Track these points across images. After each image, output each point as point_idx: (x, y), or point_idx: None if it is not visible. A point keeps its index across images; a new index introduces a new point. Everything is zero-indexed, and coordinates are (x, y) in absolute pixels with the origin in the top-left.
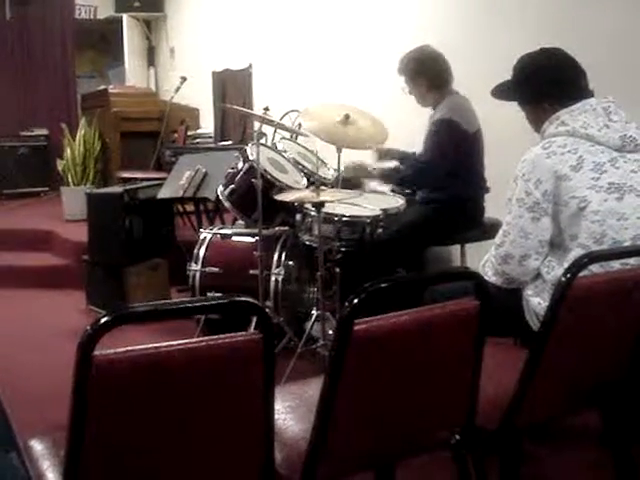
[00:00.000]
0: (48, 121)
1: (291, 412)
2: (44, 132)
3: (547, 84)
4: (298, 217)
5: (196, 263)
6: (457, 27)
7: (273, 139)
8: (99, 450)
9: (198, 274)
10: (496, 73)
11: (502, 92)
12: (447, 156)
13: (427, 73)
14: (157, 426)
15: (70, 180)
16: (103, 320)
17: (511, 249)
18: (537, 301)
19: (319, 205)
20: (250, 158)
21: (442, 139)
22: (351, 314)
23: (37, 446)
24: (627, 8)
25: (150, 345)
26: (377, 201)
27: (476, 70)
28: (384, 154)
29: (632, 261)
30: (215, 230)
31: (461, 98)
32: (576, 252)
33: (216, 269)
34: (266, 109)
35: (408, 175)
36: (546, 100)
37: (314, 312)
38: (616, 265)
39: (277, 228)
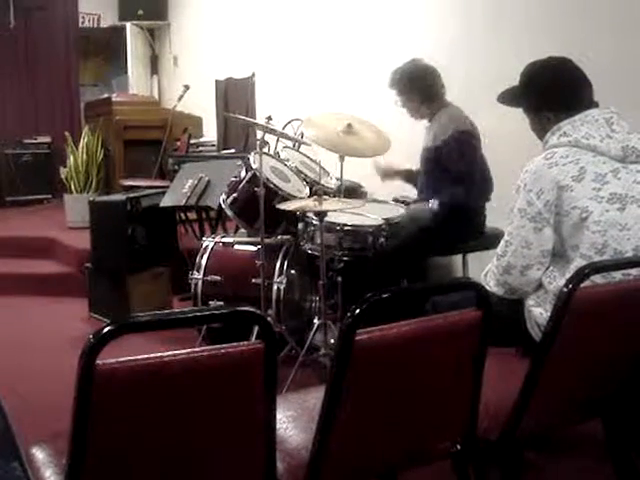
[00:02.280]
0: (51, 129)
1: (293, 421)
2: (47, 140)
3: (551, 92)
4: (300, 226)
5: (198, 271)
6: (460, 39)
7: (276, 148)
8: (101, 458)
9: (200, 282)
10: (498, 84)
11: (508, 98)
12: (475, 165)
13: (419, 87)
14: (159, 435)
15: (73, 188)
16: (106, 330)
17: (513, 259)
18: (539, 311)
19: (321, 214)
20: (253, 167)
21: (471, 150)
22: (353, 324)
23: (39, 454)
24: (629, 15)
25: (152, 354)
26: (379, 210)
27: (478, 81)
28: (389, 174)
29: (634, 272)
30: (217, 239)
31: (457, 109)
32: (578, 262)
33: (218, 277)
34: (269, 118)
35: (458, 192)
36: (549, 108)
37: (316, 321)
38: (618, 276)
39: (279, 237)
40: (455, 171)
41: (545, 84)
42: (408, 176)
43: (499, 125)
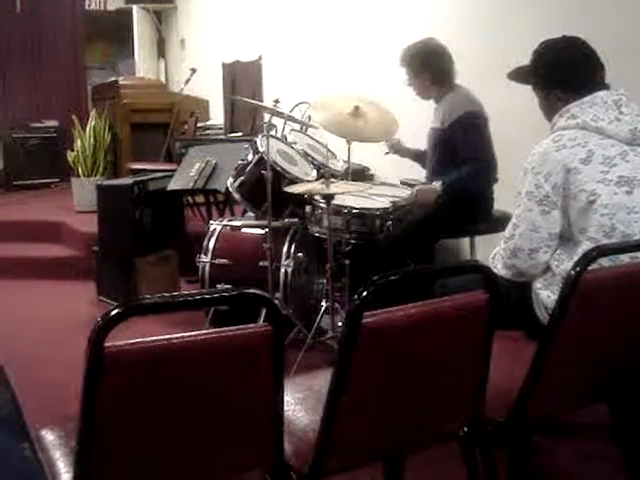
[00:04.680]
0: (58, 112)
1: (300, 404)
2: (54, 123)
3: (562, 70)
4: (308, 209)
5: (206, 255)
6: (466, 19)
7: (283, 131)
8: (110, 440)
9: (208, 265)
10: (505, 65)
11: (518, 75)
12: (481, 147)
13: (432, 67)
14: (167, 417)
15: (80, 171)
16: (114, 312)
17: (520, 242)
18: (546, 294)
19: (329, 197)
20: (260, 150)
21: (478, 132)
22: (360, 306)
23: (48, 436)
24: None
25: (161, 337)
26: (387, 193)
27: (485, 62)
28: (395, 147)
29: None
30: (225, 222)
31: (465, 91)
32: (586, 245)
33: (226, 261)
34: (276, 101)
35: (463, 176)
36: (559, 86)
37: (323, 304)
38: (626, 259)
39: (286, 220)
40: (462, 154)
41: (556, 61)
42: (416, 156)
43: (507, 106)
